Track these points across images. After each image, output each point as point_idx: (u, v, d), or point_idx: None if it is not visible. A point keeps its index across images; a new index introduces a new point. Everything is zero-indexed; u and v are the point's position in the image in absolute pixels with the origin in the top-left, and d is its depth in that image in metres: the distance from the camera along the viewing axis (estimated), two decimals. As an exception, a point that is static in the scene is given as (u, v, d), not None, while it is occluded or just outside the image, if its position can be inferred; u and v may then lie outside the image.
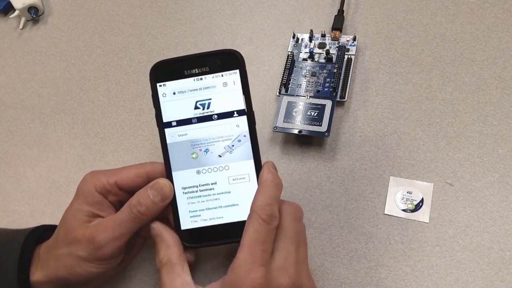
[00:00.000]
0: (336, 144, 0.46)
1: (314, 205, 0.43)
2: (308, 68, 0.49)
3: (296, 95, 0.47)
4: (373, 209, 0.42)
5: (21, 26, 0.62)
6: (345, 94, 0.47)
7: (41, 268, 0.36)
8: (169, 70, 0.36)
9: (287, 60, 0.49)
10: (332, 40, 0.50)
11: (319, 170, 0.45)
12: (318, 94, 0.46)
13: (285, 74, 0.48)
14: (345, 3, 0.52)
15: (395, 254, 0.40)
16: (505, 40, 0.47)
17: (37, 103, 0.55)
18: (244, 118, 0.36)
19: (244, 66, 0.36)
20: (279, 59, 0.51)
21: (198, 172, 0.36)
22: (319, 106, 0.45)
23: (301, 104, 0.46)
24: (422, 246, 0.40)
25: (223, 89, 0.36)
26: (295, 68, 0.49)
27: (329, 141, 0.46)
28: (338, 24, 0.50)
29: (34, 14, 0.61)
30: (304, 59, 0.49)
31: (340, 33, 0.50)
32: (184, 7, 0.58)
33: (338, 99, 0.46)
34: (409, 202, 0.42)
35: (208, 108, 0.36)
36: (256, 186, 0.35)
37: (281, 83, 0.48)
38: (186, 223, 0.36)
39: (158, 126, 0.37)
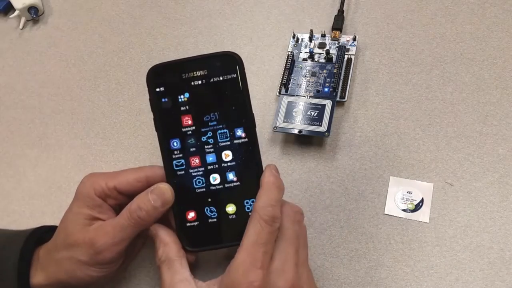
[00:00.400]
0: (336, 144, 0.46)
1: (314, 205, 0.43)
2: (308, 68, 0.49)
3: (296, 95, 0.47)
4: (373, 209, 0.42)
5: (21, 26, 0.62)
6: (345, 94, 0.47)
7: (41, 271, 0.36)
8: (166, 74, 0.36)
9: (287, 60, 0.49)
10: (332, 40, 0.50)
11: (319, 170, 0.45)
12: (318, 94, 0.46)
13: (285, 74, 0.48)
14: (345, 3, 0.52)
15: (395, 254, 0.40)
16: (505, 40, 0.47)
17: (37, 103, 0.55)
18: (244, 120, 0.35)
19: (243, 68, 0.35)
20: (279, 59, 0.51)
21: (201, 175, 0.36)
22: (319, 106, 0.45)
23: (301, 104, 0.46)
24: (422, 246, 0.40)
25: (222, 92, 0.35)
26: (295, 68, 0.49)
27: (329, 141, 0.46)
28: (338, 24, 0.50)
29: (34, 14, 0.61)
30: (304, 59, 0.49)
31: (340, 33, 0.50)
32: (184, 7, 0.58)
33: (338, 99, 0.46)
34: (409, 202, 0.42)
35: (207, 111, 0.35)
36: (256, 189, 0.34)
37: (281, 83, 0.48)
38: (187, 226, 0.36)
39: (157, 131, 0.36)
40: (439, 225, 0.40)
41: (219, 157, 0.35)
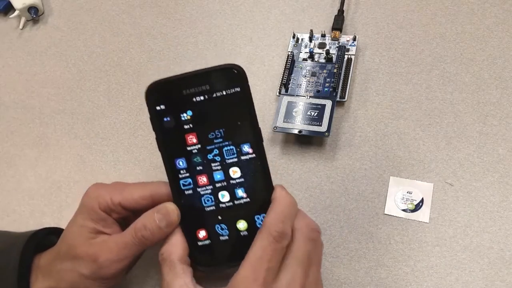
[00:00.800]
0: (336, 144, 0.46)
1: (314, 205, 0.43)
2: (308, 68, 0.49)
3: (296, 95, 0.47)
4: (373, 209, 0.42)
5: (21, 26, 0.62)
6: (345, 94, 0.47)
7: (43, 279, 0.36)
8: (166, 91, 0.34)
9: (287, 60, 0.49)
10: (332, 40, 0.50)
11: (319, 170, 0.45)
12: (318, 94, 0.46)
13: (285, 74, 0.48)
14: (345, 3, 0.52)
15: (395, 254, 0.40)
16: (505, 40, 0.47)
17: (37, 103, 0.55)
18: (251, 135, 0.34)
19: (247, 81, 0.33)
20: (279, 59, 0.51)
21: (210, 193, 0.35)
22: (319, 106, 0.45)
23: (301, 104, 0.46)
24: (422, 246, 0.40)
25: (226, 107, 0.34)
26: (295, 68, 0.49)
27: (329, 141, 0.46)
28: (338, 24, 0.50)
29: (34, 14, 0.61)
30: (304, 59, 0.49)
31: (340, 33, 0.50)
32: (184, 7, 0.58)
33: (338, 99, 0.46)
34: (409, 202, 0.42)
35: (212, 128, 0.34)
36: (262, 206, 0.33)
37: (281, 83, 0.48)
38: (199, 245, 0.35)
39: (160, 151, 0.35)
40: (439, 225, 0.40)
41: (227, 174, 0.34)
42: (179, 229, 0.34)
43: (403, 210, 0.41)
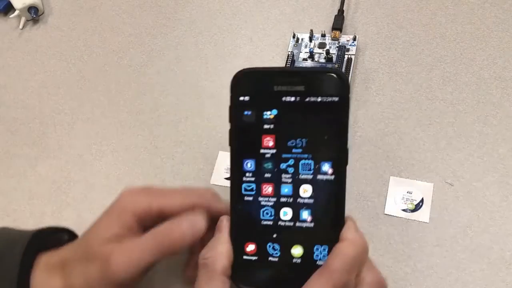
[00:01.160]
0: (336, 144, 0.45)
1: (314, 205, 0.43)
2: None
3: (296, 95, 0.47)
4: (373, 209, 0.42)
5: (21, 26, 0.62)
6: (345, 94, 0.47)
7: (54, 276, 0.34)
8: (256, 81, 0.31)
9: (287, 60, 0.49)
10: (332, 40, 0.50)
11: (319, 170, 0.45)
12: (318, 94, 0.46)
13: (285, 74, 0.48)
14: (345, 3, 0.52)
15: (395, 254, 0.40)
16: (505, 40, 0.47)
17: (37, 103, 0.55)
18: (335, 154, 0.30)
19: (348, 92, 0.30)
20: (279, 59, 0.51)
21: (271, 206, 0.31)
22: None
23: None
24: (422, 246, 0.40)
25: (317, 116, 0.30)
26: (295, 68, 0.49)
27: (329, 141, 0.46)
28: (338, 24, 0.50)
29: (34, 14, 0.61)
30: (304, 59, 0.49)
31: (340, 33, 0.50)
32: (184, 7, 0.58)
33: (338, 99, 0.46)
34: (409, 202, 0.42)
35: (294, 135, 0.31)
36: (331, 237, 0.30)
37: (281, 83, 0.48)
38: (243, 258, 0.31)
39: (230, 145, 0.31)
40: (439, 225, 0.40)
41: (296, 190, 0.31)
42: (229, 237, 0.31)
43: (403, 210, 0.41)
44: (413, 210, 0.41)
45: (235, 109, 0.31)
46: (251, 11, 0.56)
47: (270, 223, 0.31)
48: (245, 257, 0.31)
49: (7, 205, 0.49)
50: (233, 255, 0.31)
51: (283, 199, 0.31)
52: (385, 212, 0.42)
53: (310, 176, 0.30)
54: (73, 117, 0.53)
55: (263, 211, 0.31)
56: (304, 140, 0.30)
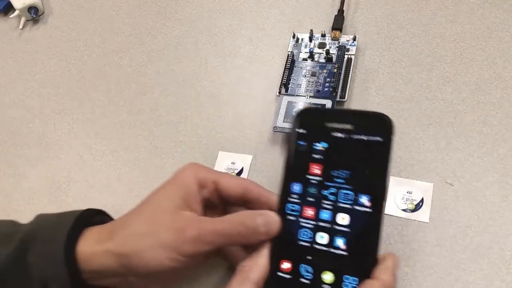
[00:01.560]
0: (336, 144, 0.46)
1: (314, 205, 0.43)
2: (308, 68, 0.49)
3: (296, 95, 0.47)
4: (373, 209, 0.42)
5: (21, 26, 0.62)
6: (345, 94, 0.47)
7: (102, 241, 0.34)
8: (312, 118, 0.35)
9: (287, 60, 0.49)
10: (332, 40, 0.50)
11: (319, 170, 0.45)
12: (318, 94, 0.46)
13: (285, 74, 0.48)
14: (345, 3, 0.52)
15: (395, 254, 0.40)
16: (505, 40, 0.47)
17: (37, 103, 0.55)
18: (374, 189, 0.32)
19: (392, 135, 0.32)
20: (279, 59, 0.51)
21: (310, 228, 0.33)
22: (319, 106, 0.45)
23: (301, 104, 0.46)
24: (422, 246, 0.40)
25: (361, 152, 0.33)
26: (295, 68, 0.49)
27: (329, 141, 0.46)
28: (338, 24, 0.50)
29: (34, 14, 0.61)
30: (304, 59, 0.49)
31: (340, 33, 0.50)
32: (184, 7, 0.58)
33: (338, 99, 0.46)
34: (409, 202, 0.42)
35: (338, 166, 0.33)
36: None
37: (281, 83, 0.48)
38: (277, 275, 0.33)
39: (283, 168, 0.35)
40: (439, 225, 0.40)
41: (334, 217, 0.33)
42: (268, 253, 0.33)
43: (403, 210, 0.41)
44: (413, 210, 0.41)
45: (293, 138, 0.35)
46: (251, 11, 0.56)
47: (307, 244, 0.33)
48: (279, 273, 0.33)
49: (7, 205, 0.49)
50: (269, 269, 0.32)
51: (321, 223, 0.33)
52: (385, 212, 0.42)
53: (349, 206, 0.32)
54: (73, 117, 0.53)
55: (302, 232, 0.33)
56: (347, 172, 0.33)
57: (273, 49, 0.52)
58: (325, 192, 0.33)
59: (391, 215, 0.41)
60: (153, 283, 0.35)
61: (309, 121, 0.35)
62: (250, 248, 0.34)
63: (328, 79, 0.47)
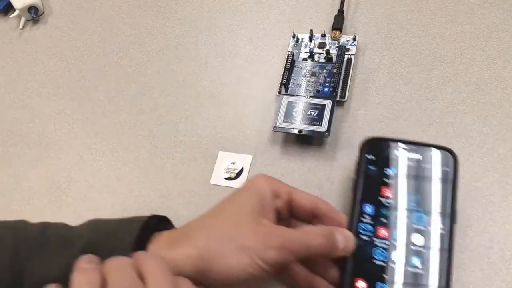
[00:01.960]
0: (336, 144, 0.46)
1: (314, 205, 0.43)
2: (308, 68, 0.49)
3: (296, 95, 0.47)
4: (373, 209, 0.42)
5: (21, 26, 0.62)
6: (345, 94, 0.47)
7: (171, 246, 0.33)
8: (382, 146, 0.37)
9: (287, 60, 0.49)
10: (332, 40, 0.50)
11: (319, 170, 0.45)
12: (318, 94, 0.46)
13: (285, 74, 0.48)
14: (345, 3, 0.52)
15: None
16: (505, 40, 0.47)
17: (37, 103, 0.55)
18: (445, 212, 0.35)
19: (458, 166, 0.36)
20: (279, 59, 0.51)
21: (384, 248, 0.35)
22: (319, 106, 0.45)
23: (301, 104, 0.46)
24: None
25: (430, 180, 0.36)
26: (295, 68, 0.49)
27: (329, 141, 0.46)
28: (338, 24, 0.50)
29: (34, 14, 0.61)
30: (304, 59, 0.49)
31: (340, 33, 0.50)
32: (184, 7, 0.58)
33: (338, 99, 0.46)
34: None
35: (410, 191, 0.36)
36: None
37: (281, 83, 0.48)
38: None
39: (352, 191, 0.36)
40: (439, 225, 0.40)
41: (409, 238, 0.34)
42: (339, 271, 0.34)
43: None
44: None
45: (362, 163, 0.37)
46: (251, 11, 0.56)
47: (383, 263, 0.34)
48: None
49: (7, 205, 0.49)
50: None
51: (396, 243, 0.34)
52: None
53: (423, 228, 0.35)
54: (73, 117, 0.53)
55: (376, 251, 0.34)
56: (418, 196, 0.36)
57: (273, 49, 0.52)
58: (399, 214, 0.35)
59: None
60: None
61: (379, 148, 0.37)
62: (314, 267, 0.35)
63: (328, 79, 0.47)
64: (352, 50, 0.49)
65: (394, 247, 0.34)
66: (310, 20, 0.53)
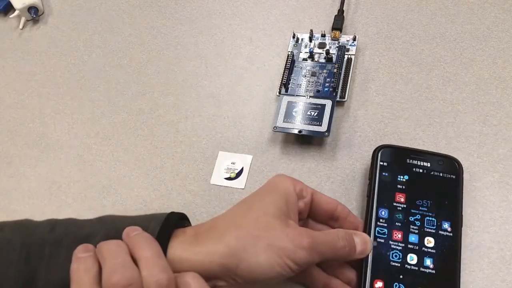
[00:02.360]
0: (336, 144, 0.46)
1: (314, 205, 0.43)
2: (308, 68, 0.49)
3: (296, 95, 0.47)
4: (373, 209, 0.42)
5: (21, 26, 0.62)
6: (345, 94, 0.47)
7: (195, 243, 0.32)
8: (394, 154, 0.40)
9: (287, 60, 0.49)
10: (332, 40, 0.50)
11: (319, 170, 0.45)
12: (318, 94, 0.46)
13: (285, 74, 0.48)
14: (345, 3, 0.52)
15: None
16: (505, 40, 0.47)
17: (37, 103, 0.55)
18: (453, 217, 0.37)
19: (463, 173, 0.39)
20: (279, 59, 0.51)
21: (400, 250, 0.37)
22: (319, 106, 0.45)
23: (301, 104, 0.46)
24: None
25: (438, 186, 0.39)
26: (295, 68, 0.49)
27: (329, 141, 0.46)
28: (338, 24, 0.50)
29: (34, 14, 0.61)
30: (304, 59, 0.49)
31: (340, 33, 0.50)
32: (184, 7, 0.58)
33: (338, 99, 0.46)
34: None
35: (421, 196, 0.38)
36: None
37: (281, 83, 0.48)
38: None
39: (367, 196, 0.39)
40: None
41: (421, 240, 0.37)
42: (356, 273, 0.36)
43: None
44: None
45: (376, 169, 0.40)
46: (251, 11, 0.56)
47: (398, 265, 0.36)
48: None
49: (7, 205, 0.49)
50: None
51: (410, 246, 0.37)
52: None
53: (433, 231, 0.37)
54: (73, 117, 0.53)
55: (392, 253, 0.37)
56: (429, 201, 0.38)
57: (273, 49, 0.52)
58: (411, 218, 0.38)
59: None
60: None
61: (391, 156, 0.40)
62: (329, 268, 0.36)
63: (328, 79, 0.47)
64: (352, 50, 0.49)
65: (408, 249, 0.36)
66: (310, 20, 0.53)
